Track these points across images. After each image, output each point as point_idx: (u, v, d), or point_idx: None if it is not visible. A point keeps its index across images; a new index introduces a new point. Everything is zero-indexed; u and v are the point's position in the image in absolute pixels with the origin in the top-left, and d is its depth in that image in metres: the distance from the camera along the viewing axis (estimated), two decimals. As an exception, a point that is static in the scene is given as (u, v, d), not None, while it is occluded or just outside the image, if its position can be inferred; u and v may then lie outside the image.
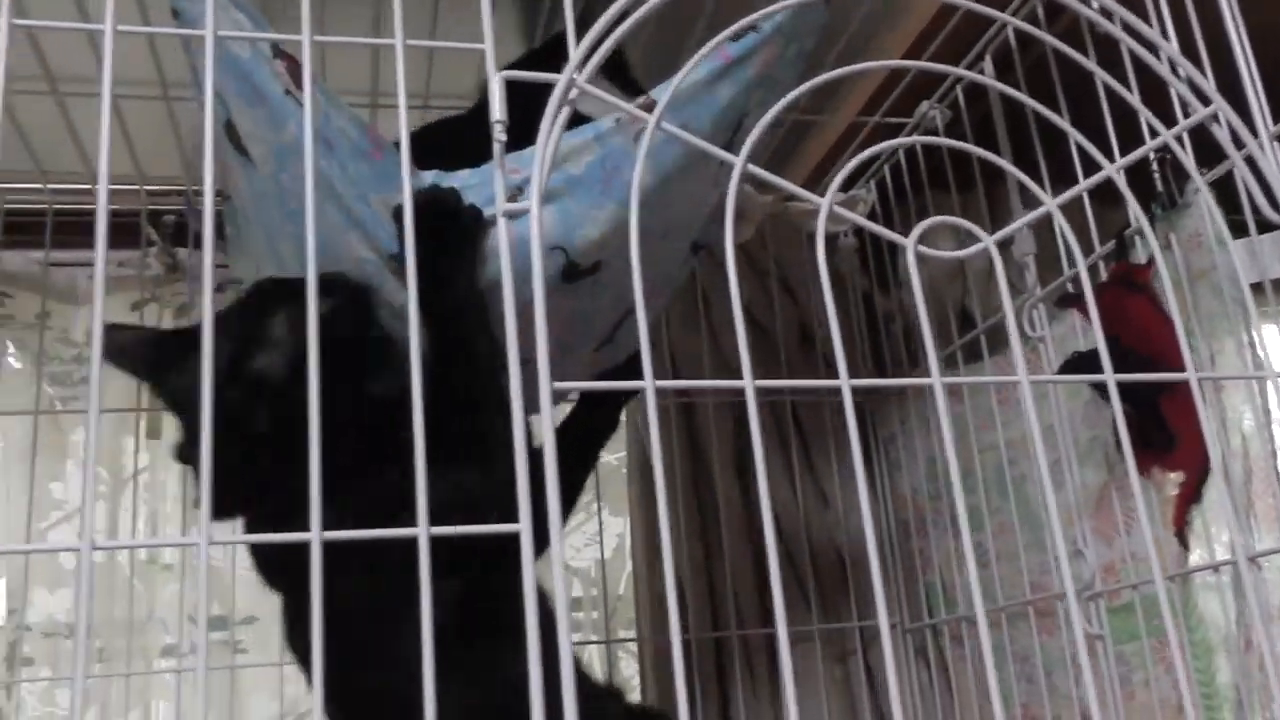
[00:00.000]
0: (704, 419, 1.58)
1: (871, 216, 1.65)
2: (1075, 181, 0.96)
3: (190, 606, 1.50)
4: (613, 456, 1.75)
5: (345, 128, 0.85)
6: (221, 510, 0.77)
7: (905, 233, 1.53)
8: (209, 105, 0.63)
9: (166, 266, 1.51)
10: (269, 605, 1.45)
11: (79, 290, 1.55)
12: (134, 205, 1.44)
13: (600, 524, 1.58)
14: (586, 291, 0.95)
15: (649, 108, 0.65)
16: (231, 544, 1.39)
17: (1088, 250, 1.12)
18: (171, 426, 0.99)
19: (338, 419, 0.58)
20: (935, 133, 1.46)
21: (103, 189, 0.65)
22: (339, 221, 0.88)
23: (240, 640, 1.53)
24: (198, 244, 1.48)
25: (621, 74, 1.10)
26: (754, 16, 0.76)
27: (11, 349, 1.55)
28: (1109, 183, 0.79)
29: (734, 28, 0.75)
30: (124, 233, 1.48)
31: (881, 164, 1.58)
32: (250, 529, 0.88)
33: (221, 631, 1.55)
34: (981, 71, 1.30)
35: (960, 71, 0.83)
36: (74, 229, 1.44)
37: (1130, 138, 0.89)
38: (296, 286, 0.82)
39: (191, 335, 0.88)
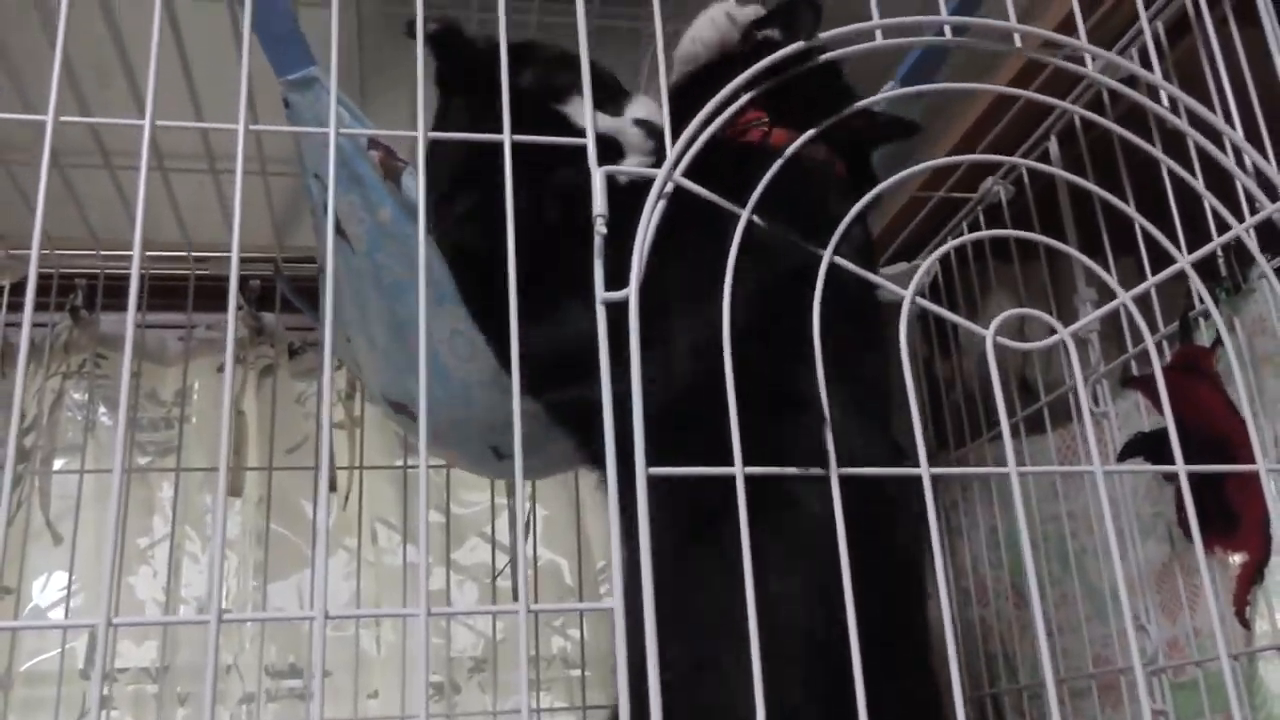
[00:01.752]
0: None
1: (933, 285, 1.69)
2: (1137, 245, 0.99)
3: (266, 657, 1.55)
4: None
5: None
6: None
7: (966, 301, 1.56)
8: (331, 199, 0.68)
9: (252, 330, 1.58)
10: (343, 655, 1.51)
11: (169, 352, 1.62)
12: (223, 271, 1.51)
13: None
14: None
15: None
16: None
17: (1152, 329, 1.14)
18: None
19: None
20: (999, 207, 1.50)
21: (234, 258, 0.69)
22: (430, 297, 0.92)
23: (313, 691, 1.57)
24: (283, 308, 1.55)
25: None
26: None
27: (103, 408, 1.62)
28: (1171, 254, 0.82)
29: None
30: (212, 297, 1.55)
31: (944, 236, 1.61)
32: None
33: (294, 680, 1.60)
34: (1046, 154, 1.34)
35: (1020, 161, 0.87)
36: (168, 293, 1.52)
37: (1196, 211, 0.91)
38: None
39: None
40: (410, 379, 0.99)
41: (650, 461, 0.60)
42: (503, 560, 1.63)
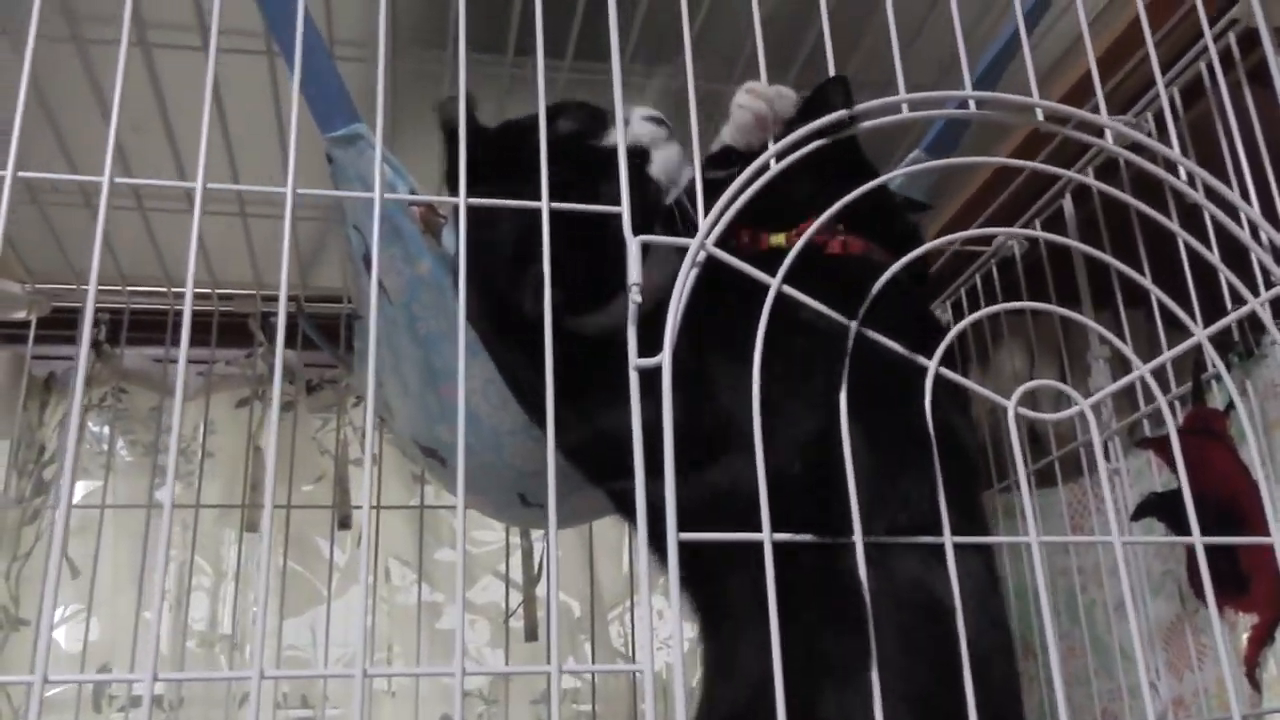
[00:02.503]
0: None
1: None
2: (1149, 297, 1.01)
3: (279, 688, 1.56)
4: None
5: None
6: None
7: (978, 348, 1.58)
8: (375, 263, 0.70)
9: (271, 367, 1.60)
10: (352, 692, 1.51)
11: (188, 387, 1.64)
12: (247, 309, 1.53)
13: (680, 630, 1.62)
14: None
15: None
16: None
17: (1165, 390, 1.16)
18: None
19: None
20: (1012, 260, 1.52)
21: (283, 301, 0.71)
22: (465, 347, 0.94)
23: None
24: (305, 345, 1.57)
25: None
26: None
27: (122, 443, 1.64)
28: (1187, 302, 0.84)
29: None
30: (233, 333, 1.57)
31: (958, 287, 1.63)
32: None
33: (305, 711, 1.61)
34: (1061, 210, 1.36)
35: (1028, 234, 0.89)
36: (193, 329, 1.53)
37: (1209, 268, 0.93)
38: None
39: None
40: (440, 425, 1.01)
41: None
42: (514, 599, 1.64)
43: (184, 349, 0.67)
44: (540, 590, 1.61)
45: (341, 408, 1.66)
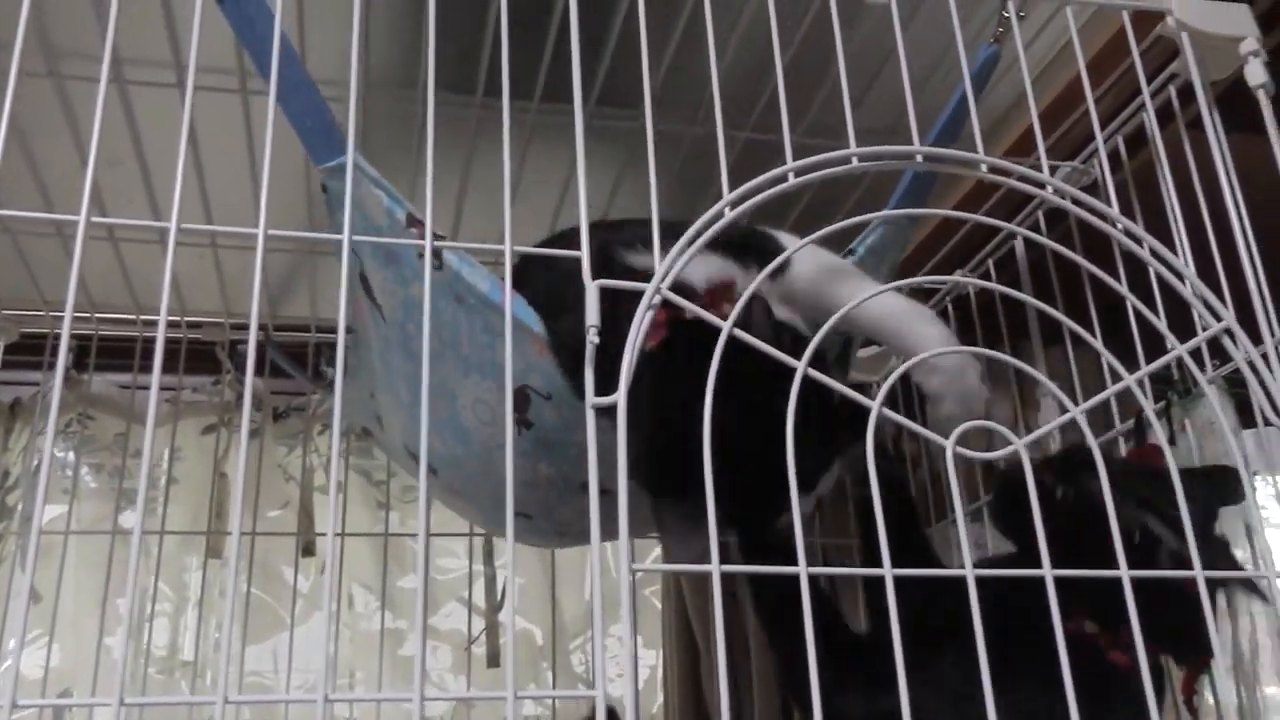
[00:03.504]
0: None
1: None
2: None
3: (240, 716, 1.57)
4: (647, 590, 1.82)
5: (475, 282, 0.92)
6: None
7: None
8: (343, 293, 0.72)
9: (238, 395, 1.61)
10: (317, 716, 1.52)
11: (157, 414, 1.64)
12: (215, 337, 1.55)
13: (635, 655, 1.64)
14: None
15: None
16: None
17: (1109, 427, 1.21)
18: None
19: None
20: (967, 298, 1.56)
21: (252, 337, 0.73)
22: (456, 368, 0.96)
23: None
24: (273, 374, 1.59)
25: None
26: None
27: (87, 468, 1.65)
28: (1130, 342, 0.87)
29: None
30: (200, 360, 1.59)
31: (914, 323, 1.67)
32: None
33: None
34: (1013, 250, 1.40)
35: (972, 281, 0.93)
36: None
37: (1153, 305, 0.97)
38: None
39: None
40: (431, 437, 1.02)
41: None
42: (478, 625, 1.66)
43: (155, 379, 0.69)
44: (504, 616, 1.63)
45: (308, 435, 1.68)
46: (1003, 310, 1.47)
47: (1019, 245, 1.41)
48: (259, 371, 1.60)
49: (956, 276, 1.30)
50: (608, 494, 0.67)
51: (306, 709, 1.55)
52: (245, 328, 1.57)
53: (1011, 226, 0.91)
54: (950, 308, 1.60)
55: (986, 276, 1.52)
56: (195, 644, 1.59)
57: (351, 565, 1.63)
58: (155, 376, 0.70)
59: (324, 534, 1.59)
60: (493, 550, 1.62)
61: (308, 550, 1.61)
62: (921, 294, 1.63)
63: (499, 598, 1.61)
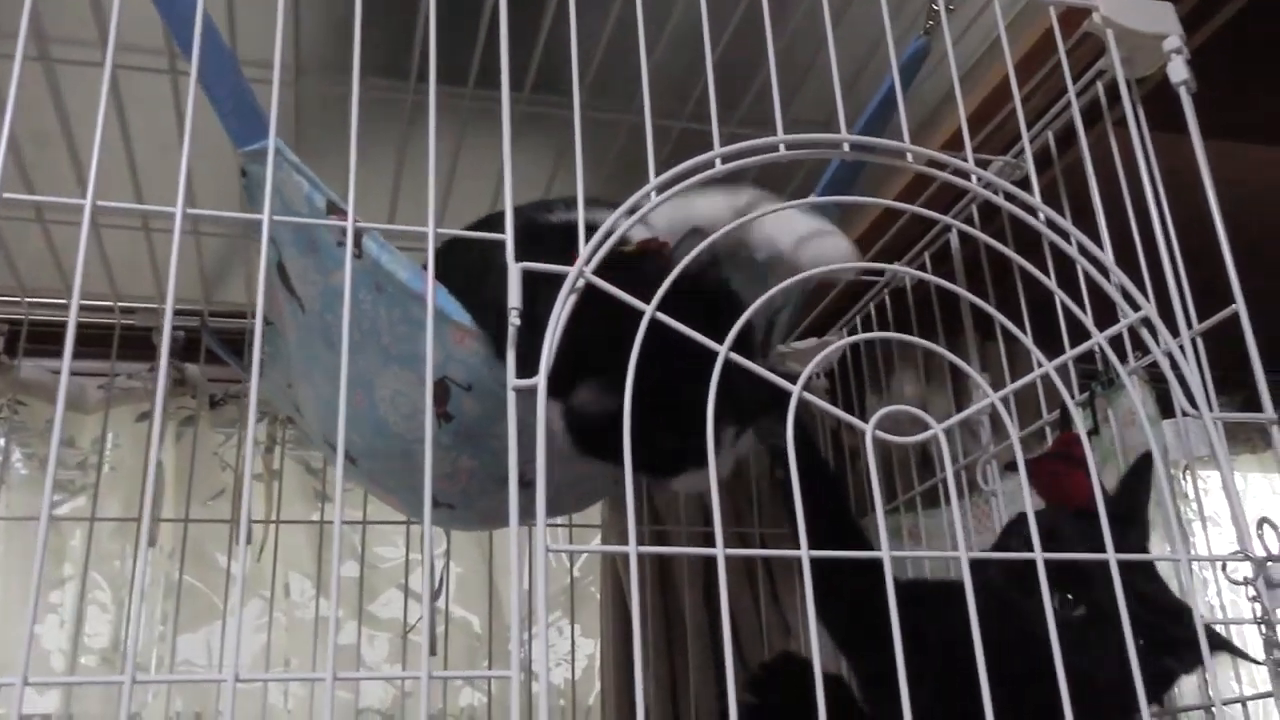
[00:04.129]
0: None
1: (842, 359, 1.77)
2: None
3: (172, 707, 1.55)
4: (587, 579, 1.83)
5: (394, 270, 0.91)
6: None
7: (872, 376, 1.64)
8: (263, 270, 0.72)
9: (174, 381, 1.60)
10: (251, 709, 1.52)
11: (88, 400, 1.62)
12: (150, 323, 1.53)
13: (573, 644, 1.66)
14: None
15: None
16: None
17: (1037, 415, 1.23)
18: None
19: None
20: (904, 290, 1.58)
21: (168, 318, 0.73)
22: (375, 358, 0.96)
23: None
24: (209, 360, 1.57)
25: None
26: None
27: (18, 455, 1.62)
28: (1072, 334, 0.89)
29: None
30: (135, 346, 1.57)
31: (853, 315, 1.69)
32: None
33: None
34: (948, 243, 1.42)
35: (904, 270, 0.94)
36: (91, 341, 1.53)
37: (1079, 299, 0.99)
38: None
39: None
40: (351, 430, 1.02)
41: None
42: (415, 614, 1.66)
43: (66, 362, 0.68)
44: (442, 604, 1.63)
45: (243, 422, 1.66)
46: (938, 304, 1.49)
47: (954, 239, 1.43)
48: (193, 358, 1.59)
49: (894, 266, 1.30)
50: (529, 486, 0.67)
51: (243, 701, 1.54)
52: (181, 313, 1.56)
53: (946, 219, 0.93)
54: (888, 300, 1.62)
55: (922, 270, 1.54)
56: (122, 631, 1.57)
57: (287, 554, 1.62)
58: (65, 360, 0.70)
59: (260, 521, 1.58)
60: (433, 539, 1.62)
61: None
62: (861, 288, 1.65)
63: (436, 585, 1.61)
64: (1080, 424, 0.82)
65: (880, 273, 1.59)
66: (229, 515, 1.59)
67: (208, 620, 1.61)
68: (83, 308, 1.50)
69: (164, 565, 1.56)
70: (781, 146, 0.81)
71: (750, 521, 1.69)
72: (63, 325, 1.50)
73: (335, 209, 0.90)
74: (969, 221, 1.40)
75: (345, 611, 1.66)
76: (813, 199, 1.06)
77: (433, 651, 1.59)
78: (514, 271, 0.73)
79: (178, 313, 1.56)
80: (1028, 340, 0.83)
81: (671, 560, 1.66)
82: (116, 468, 1.62)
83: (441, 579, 1.60)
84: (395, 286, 0.91)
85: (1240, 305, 0.92)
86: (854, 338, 0.86)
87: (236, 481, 1.60)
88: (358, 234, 0.96)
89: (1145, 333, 0.86)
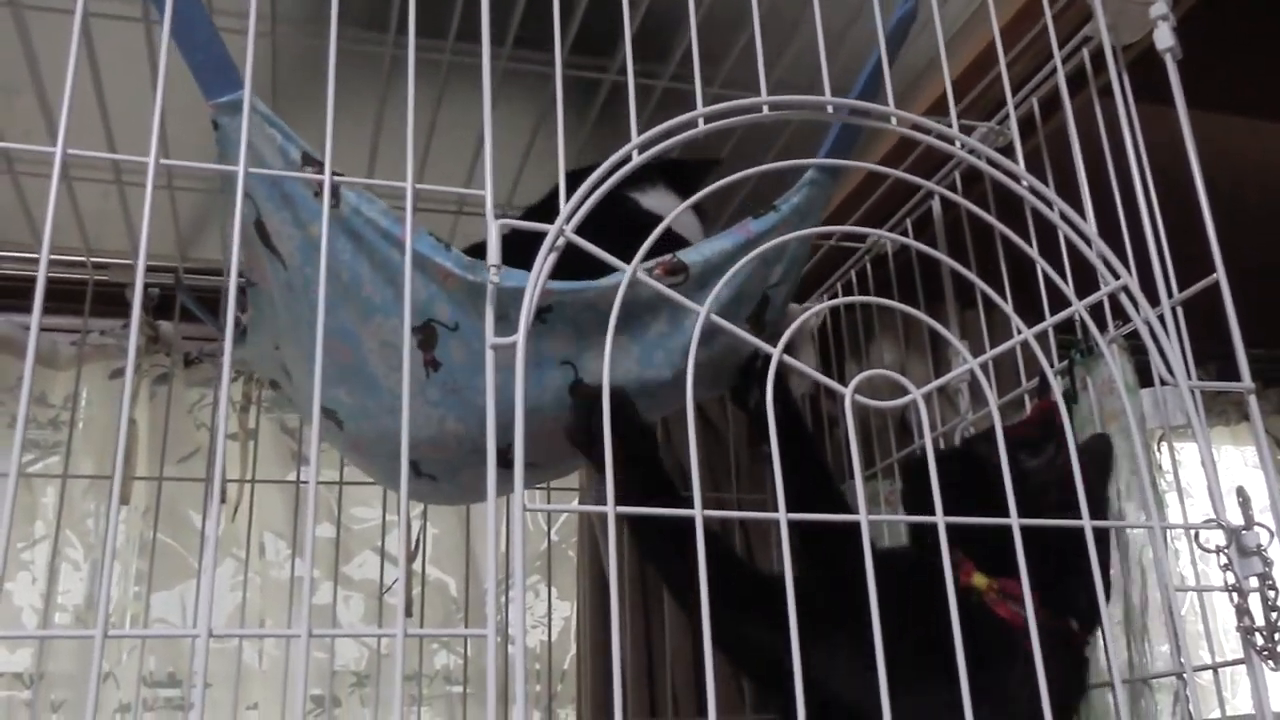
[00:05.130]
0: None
1: (823, 325, 1.76)
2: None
3: (145, 666, 1.55)
4: (565, 543, 1.83)
5: (375, 219, 0.91)
6: None
7: (851, 340, 1.64)
8: (237, 228, 0.70)
9: (148, 338, 1.58)
10: (225, 668, 1.51)
11: (60, 356, 1.60)
12: (124, 279, 1.51)
13: (550, 607, 1.66)
14: None
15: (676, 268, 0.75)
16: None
17: (1017, 383, 1.23)
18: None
19: None
20: (885, 257, 1.58)
21: (140, 273, 0.71)
22: (358, 311, 0.95)
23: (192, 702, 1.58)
24: (184, 318, 1.55)
25: (680, 182, 1.18)
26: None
27: (-12, 409, 1.61)
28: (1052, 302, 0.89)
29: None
30: (109, 302, 1.54)
31: (834, 281, 1.69)
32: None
33: (172, 690, 1.60)
34: (930, 210, 1.42)
35: (885, 235, 0.93)
36: (63, 297, 1.51)
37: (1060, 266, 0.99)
38: None
39: None
40: (339, 387, 1.00)
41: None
42: (391, 576, 1.66)
43: (36, 317, 0.67)
44: (419, 566, 1.62)
45: (219, 381, 1.64)
46: (919, 271, 1.49)
47: (936, 205, 1.43)
48: (168, 316, 1.57)
49: (877, 231, 1.30)
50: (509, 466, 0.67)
51: (217, 659, 1.54)
52: (156, 270, 1.54)
53: (929, 185, 0.92)
54: (869, 266, 1.61)
55: (904, 235, 1.54)
56: (96, 589, 1.56)
57: (263, 514, 1.61)
58: (35, 315, 0.69)
59: (235, 480, 1.57)
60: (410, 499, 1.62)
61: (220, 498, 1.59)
62: (843, 254, 1.64)
63: (413, 547, 1.61)
64: (1059, 391, 0.82)
65: (862, 238, 1.59)
66: (203, 474, 1.58)
67: (182, 579, 1.60)
68: (54, 262, 1.51)
69: (138, 524, 1.55)
70: (765, 107, 0.80)
71: (728, 487, 1.69)
72: (33, 280, 1.49)
73: (311, 160, 0.89)
74: (951, 188, 1.40)
75: (321, 572, 1.65)
76: (820, 158, 1.05)
77: (408, 613, 1.59)
78: (493, 228, 0.72)
79: (153, 269, 1.54)
80: (1007, 307, 0.83)
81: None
82: (89, 425, 1.61)
83: (418, 541, 1.59)
84: (376, 231, 0.90)
85: (1221, 274, 0.92)
86: (834, 301, 0.86)
87: (211, 440, 1.58)
88: (335, 185, 0.95)
89: (1125, 301, 0.86)
